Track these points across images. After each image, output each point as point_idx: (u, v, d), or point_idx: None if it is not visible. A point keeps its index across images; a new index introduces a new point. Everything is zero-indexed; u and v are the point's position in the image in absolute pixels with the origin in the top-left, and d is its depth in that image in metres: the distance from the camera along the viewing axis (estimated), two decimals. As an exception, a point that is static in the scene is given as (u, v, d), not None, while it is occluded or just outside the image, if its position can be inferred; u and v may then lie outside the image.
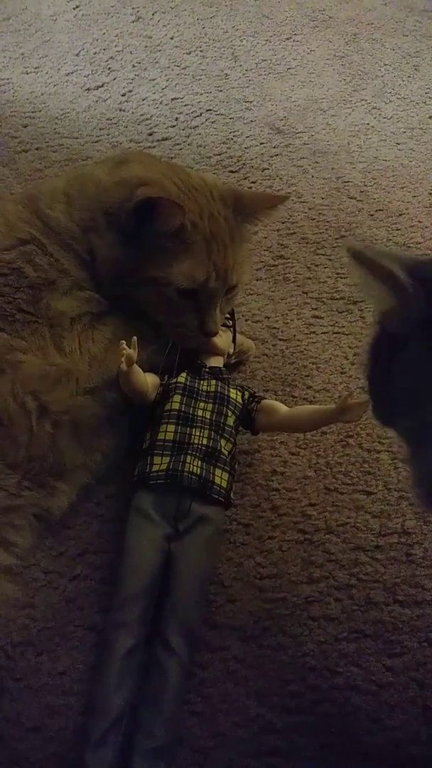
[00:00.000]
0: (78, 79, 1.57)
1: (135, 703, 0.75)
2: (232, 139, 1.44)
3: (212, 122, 1.48)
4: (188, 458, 0.85)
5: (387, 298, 0.56)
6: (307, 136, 1.46)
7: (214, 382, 0.92)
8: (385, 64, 1.65)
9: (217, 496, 0.85)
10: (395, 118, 1.52)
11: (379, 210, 1.32)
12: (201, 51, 1.66)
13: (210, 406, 0.90)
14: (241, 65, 1.63)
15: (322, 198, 1.34)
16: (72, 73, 1.58)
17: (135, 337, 0.86)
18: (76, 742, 0.76)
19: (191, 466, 0.85)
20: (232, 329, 1.02)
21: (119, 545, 0.85)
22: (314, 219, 1.30)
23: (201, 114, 1.50)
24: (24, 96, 1.52)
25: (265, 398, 0.95)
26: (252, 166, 1.39)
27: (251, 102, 1.54)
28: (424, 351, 0.56)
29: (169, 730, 0.74)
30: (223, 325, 0.99)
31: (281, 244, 1.25)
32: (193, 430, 0.88)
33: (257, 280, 1.19)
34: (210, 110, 1.51)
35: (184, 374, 0.92)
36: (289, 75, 1.61)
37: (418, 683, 0.80)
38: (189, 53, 1.65)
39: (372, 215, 1.31)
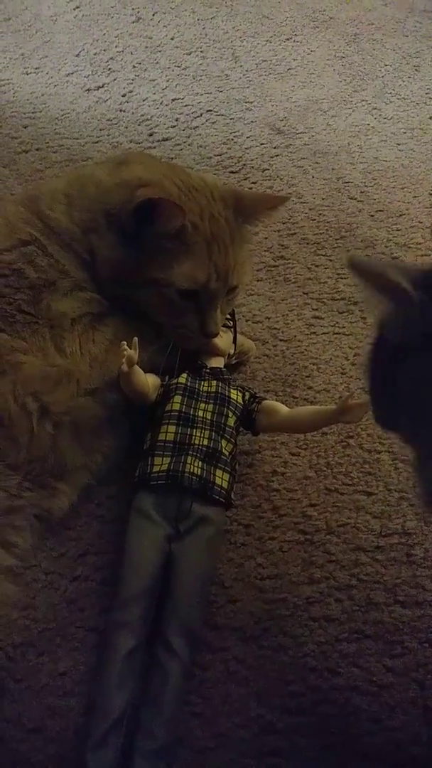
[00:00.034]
0: (78, 79, 1.57)
1: (136, 703, 0.75)
2: (232, 139, 1.45)
3: (213, 123, 1.48)
4: (189, 459, 0.85)
5: (391, 310, 0.56)
6: (308, 136, 1.46)
7: (214, 382, 0.92)
8: (386, 65, 1.65)
9: (217, 497, 0.85)
10: (396, 119, 1.52)
11: (380, 210, 1.32)
12: (201, 51, 1.66)
13: (211, 407, 0.90)
14: (241, 66, 1.63)
15: (323, 198, 1.34)
16: (72, 73, 1.58)
17: (136, 338, 0.86)
18: (77, 742, 0.76)
19: (192, 466, 0.85)
20: (232, 330, 1.02)
21: (120, 546, 0.85)
22: (315, 219, 1.30)
23: (201, 114, 1.50)
24: (24, 97, 1.52)
25: (266, 399, 0.95)
26: (252, 167, 1.39)
27: (252, 102, 1.54)
28: None
29: (170, 730, 0.74)
30: (224, 325, 0.99)
31: (282, 245, 1.25)
32: (194, 430, 0.88)
33: (258, 280, 1.19)
34: (210, 111, 1.51)
35: (184, 375, 0.92)
36: (290, 75, 1.61)
37: (419, 684, 0.80)
38: (189, 54, 1.65)
39: (372, 216, 1.31)
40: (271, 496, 0.95)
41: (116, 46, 1.66)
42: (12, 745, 0.76)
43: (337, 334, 1.12)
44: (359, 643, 0.83)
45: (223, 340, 0.98)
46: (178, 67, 1.61)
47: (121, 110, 1.50)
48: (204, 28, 1.72)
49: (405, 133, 1.49)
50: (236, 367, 1.07)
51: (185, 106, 1.52)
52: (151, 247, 0.89)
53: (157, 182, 0.90)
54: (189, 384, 0.91)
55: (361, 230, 1.28)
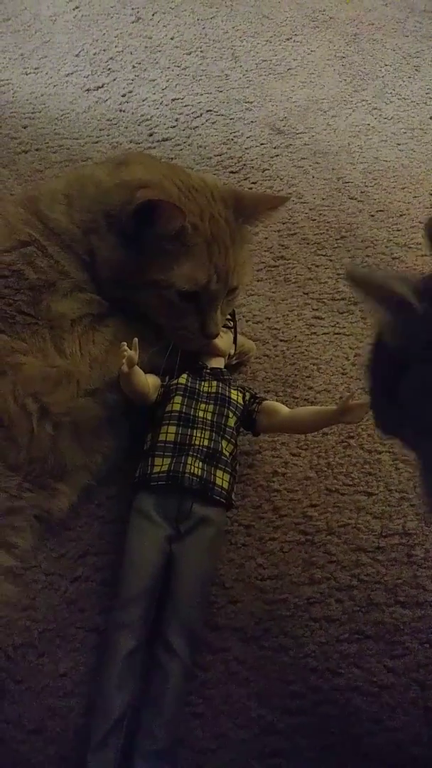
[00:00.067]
0: (78, 79, 1.57)
1: (136, 704, 0.75)
2: (232, 139, 1.44)
3: (212, 123, 1.48)
4: (189, 459, 0.85)
5: (391, 319, 0.55)
6: (308, 136, 1.46)
7: (215, 383, 0.92)
8: (386, 65, 1.65)
9: (218, 498, 0.85)
10: (396, 119, 1.52)
11: (380, 210, 1.32)
12: (201, 51, 1.66)
13: (211, 408, 0.90)
14: (241, 66, 1.63)
15: (323, 199, 1.34)
16: (72, 73, 1.58)
17: (136, 339, 0.86)
18: (77, 743, 0.76)
19: (192, 467, 0.85)
20: (233, 330, 1.02)
21: (120, 547, 0.85)
22: (315, 220, 1.30)
23: (201, 115, 1.50)
24: (24, 97, 1.52)
25: (266, 399, 0.95)
26: (252, 167, 1.39)
27: (251, 102, 1.54)
28: None
29: (171, 731, 0.74)
30: (224, 326, 0.99)
31: (282, 245, 1.25)
32: (194, 431, 0.87)
33: (258, 281, 1.19)
34: (210, 111, 1.51)
35: (185, 375, 0.92)
36: (290, 75, 1.61)
37: (420, 684, 0.80)
38: (189, 54, 1.65)
39: (373, 216, 1.31)
40: (272, 496, 0.94)
41: (116, 46, 1.66)
42: (12, 746, 0.76)
43: (337, 334, 1.12)
44: (360, 643, 0.83)
45: (224, 341, 0.98)
46: (178, 67, 1.61)
47: (120, 110, 1.50)
48: (204, 28, 1.72)
49: (405, 133, 1.49)
50: (237, 367, 1.07)
51: (185, 106, 1.52)
52: (151, 249, 0.89)
53: (157, 183, 0.90)
54: (189, 384, 0.91)
55: (362, 230, 1.28)
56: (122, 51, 1.64)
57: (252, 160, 1.40)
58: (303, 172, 1.39)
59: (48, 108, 1.50)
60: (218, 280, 0.91)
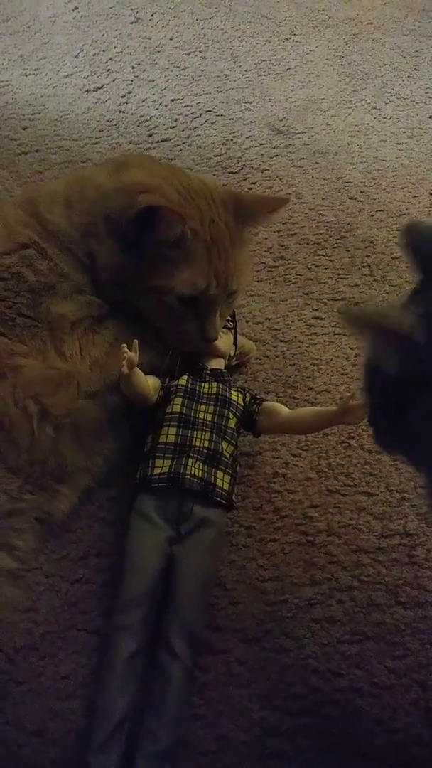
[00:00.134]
0: (77, 80, 1.57)
1: (138, 706, 0.75)
2: (231, 140, 1.44)
3: (212, 123, 1.48)
4: (190, 461, 0.85)
5: (392, 352, 0.55)
6: (307, 136, 1.46)
7: (215, 384, 0.92)
8: (385, 64, 1.65)
9: (218, 499, 0.85)
10: (395, 118, 1.52)
11: (380, 210, 1.32)
12: (200, 52, 1.66)
13: (211, 409, 0.90)
14: (240, 66, 1.63)
15: (323, 199, 1.33)
16: (71, 74, 1.58)
17: (136, 341, 0.86)
18: (79, 745, 0.76)
19: (193, 468, 0.85)
20: (233, 331, 1.02)
21: (121, 548, 0.85)
22: (315, 220, 1.29)
23: (200, 115, 1.50)
24: (23, 98, 1.52)
25: (267, 400, 0.95)
26: (252, 167, 1.39)
27: (251, 103, 1.53)
28: None
29: (172, 733, 0.74)
30: (224, 326, 0.99)
31: (282, 245, 1.25)
32: (195, 432, 0.87)
33: (258, 281, 1.19)
34: (209, 111, 1.51)
35: (185, 377, 0.92)
36: (289, 75, 1.61)
37: (421, 685, 0.80)
38: (188, 54, 1.65)
39: (372, 216, 1.31)
40: (273, 497, 0.94)
41: (115, 47, 1.65)
42: (14, 748, 0.77)
43: (337, 334, 1.12)
44: (361, 644, 0.83)
45: (224, 342, 0.98)
46: (177, 67, 1.61)
47: (120, 111, 1.50)
48: (203, 29, 1.72)
49: (405, 132, 1.49)
50: (237, 368, 1.07)
51: (184, 106, 1.52)
52: (151, 254, 0.89)
53: (157, 187, 0.90)
54: (189, 386, 0.91)
55: (361, 230, 1.28)
56: (121, 52, 1.64)
57: (251, 160, 1.40)
58: (302, 172, 1.38)
59: (47, 109, 1.50)
60: (218, 285, 0.91)
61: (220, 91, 1.56)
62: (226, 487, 0.86)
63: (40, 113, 1.49)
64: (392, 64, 1.65)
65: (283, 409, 0.92)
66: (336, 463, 0.98)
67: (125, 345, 0.86)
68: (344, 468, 0.97)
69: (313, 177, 1.38)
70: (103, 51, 1.64)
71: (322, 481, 0.96)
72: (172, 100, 1.53)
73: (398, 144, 1.46)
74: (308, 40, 1.71)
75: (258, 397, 0.95)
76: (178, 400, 0.90)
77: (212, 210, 0.92)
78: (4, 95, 1.53)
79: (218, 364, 0.97)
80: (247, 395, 0.94)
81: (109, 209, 0.91)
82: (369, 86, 1.59)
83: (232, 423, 0.90)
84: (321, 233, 1.27)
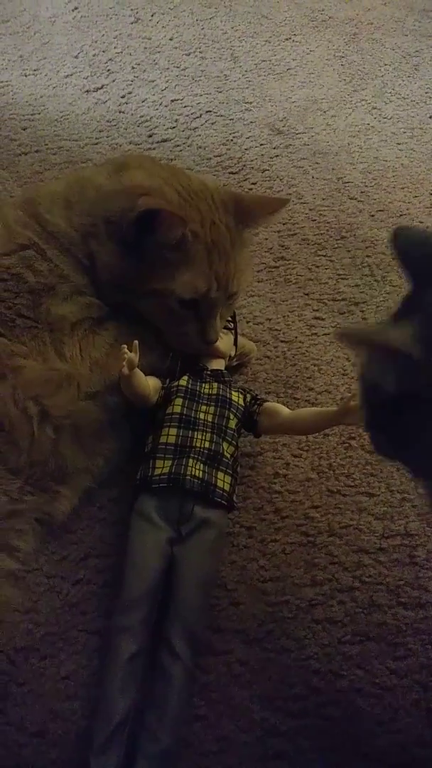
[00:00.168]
0: (77, 81, 1.57)
1: (139, 707, 0.75)
2: (232, 140, 1.44)
3: (212, 123, 1.48)
4: (190, 461, 0.85)
5: (389, 369, 0.54)
6: (308, 136, 1.46)
7: (215, 384, 0.92)
8: (385, 64, 1.65)
9: (219, 500, 0.85)
10: (395, 118, 1.52)
11: (380, 210, 1.32)
12: (200, 52, 1.65)
13: (212, 409, 0.90)
14: (240, 66, 1.63)
15: (323, 199, 1.33)
16: (71, 75, 1.58)
17: (136, 341, 0.86)
18: (80, 746, 0.76)
19: (193, 469, 0.85)
20: (233, 332, 1.02)
21: (122, 549, 0.85)
22: (315, 220, 1.29)
23: (201, 115, 1.50)
24: (23, 98, 1.52)
25: (267, 401, 0.95)
26: (252, 168, 1.39)
27: (251, 103, 1.53)
28: None
29: (173, 734, 0.74)
30: (225, 327, 0.99)
31: (282, 246, 1.25)
32: (195, 433, 0.87)
33: (258, 281, 1.19)
34: (210, 111, 1.51)
35: (185, 377, 0.92)
36: (289, 75, 1.61)
37: (422, 686, 0.80)
38: (188, 54, 1.65)
39: (373, 216, 1.31)
40: (273, 498, 0.94)
41: (115, 47, 1.65)
42: (15, 749, 0.77)
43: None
44: (362, 645, 0.83)
45: (224, 342, 0.98)
46: (177, 67, 1.61)
47: (120, 111, 1.50)
48: (203, 29, 1.72)
49: (405, 132, 1.49)
50: (237, 368, 1.07)
51: (184, 107, 1.52)
52: (151, 256, 0.88)
53: (157, 189, 0.90)
54: (190, 386, 0.91)
55: (362, 230, 1.28)
56: (121, 52, 1.64)
57: (252, 160, 1.40)
58: (303, 173, 1.38)
59: (47, 109, 1.50)
60: (218, 287, 0.91)
61: (220, 92, 1.56)
62: (226, 487, 0.86)
63: (40, 114, 1.49)
64: (392, 64, 1.65)
65: (284, 410, 0.92)
66: (337, 464, 0.97)
67: (125, 346, 0.86)
68: (345, 468, 0.97)
69: (313, 177, 1.38)
70: (103, 51, 1.64)
71: (323, 481, 0.96)
72: (172, 101, 1.53)
73: (398, 144, 1.46)
74: (308, 40, 1.71)
75: (258, 397, 0.95)
76: (179, 401, 0.89)
77: (213, 212, 0.92)
78: (3, 95, 1.53)
79: (219, 364, 0.97)
80: (248, 396, 0.94)
81: (109, 211, 0.90)
82: (369, 86, 1.59)
83: (232, 424, 0.90)
84: (321, 233, 1.27)
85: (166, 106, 1.52)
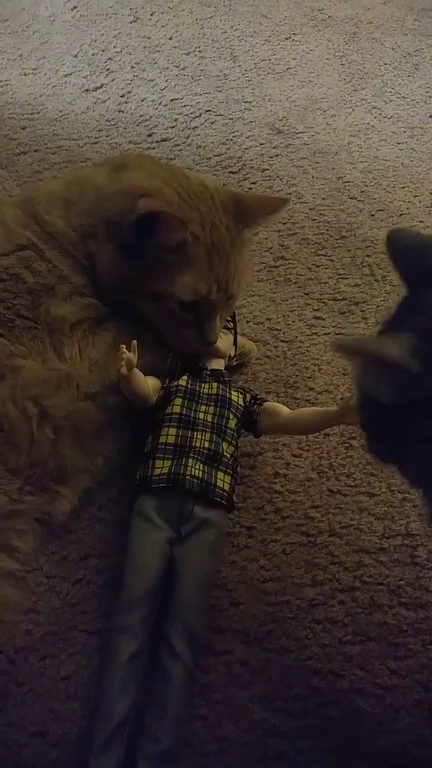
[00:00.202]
0: (76, 80, 1.57)
1: (139, 707, 0.75)
2: (231, 139, 1.44)
3: (212, 123, 1.48)
4: (190, 461, 0.85)
5: (387, 381, 0.54)
6: (307, 136, 1.46)
7: (215, 384, 0.92)
8: (385, 63, 1.65)
9: (219, 500, 0.85)
10: (395, 118, 1.52)
11: (380, 210, 1.32)
12: (200, 51, 1.65)
13: (211, 409, 0.90)
14: (240, 65, 1.62)
15: (323, 198, 1.33)
16: (70, 74, 1.58)
17: (135, 341, 0.86)
18: (80, 746, 0.76)
19: (193, 469, 0.84)
20: (233, 331, 1.02)
21: (122, 549, 0.85)
22: (315, 219, 1.29)
23: (200, 115, 1.50)
24: (22, 98, 1.52)
25: (267, 400, 0.94)
26: (252, 167, 1.39)
27: (251, 102, 1.53)
28: None
29: (174, 734, 0.74)
30: (224, 327, 0.99)
31: (282, 245, 1.25)
32: (195, 433, 0.87)
33: (258, 281, 1.19)
34: (209, 111, 1.50)
35: (185, 377, 0.92)
36: (289, 75, 1.61)
37: (423, 686, 0.80)
38: (188, 54, 1.65)
39: (373, 215, 1.31)
40: (274, 498, 0.94)
41: (114, 47, 1.65)
42: (15, 749, 0.76)
43: (338, 334, 1.12)
44: (363, 645, 0.83)
45: (224, 342, 0.98)
46: (177, 67, 1.61)
47: (119, 111, 1.50)
48: (202, 28, 1.72)
49: (405, 132, 1.48)
50: (237, 368, 1.07)
51: (184, 106, 1.51)
52: (151, 258, 0.88)
53: (157, 190, 0.89)
54: (189, 386, 0.91)
55: (362, 230, 1.28)
56: (121, 51, 1.64)
57: (251, 160, 1.40)
58: (303, 172, 1.38)
59: (47, 109, 1.49)
60: (218, 289, 0.91)
61: (220, 91, 1.55)
62: (226, 487, 0.86)
63: (39, 113, 1.48)
64: (392, 63, 1.65)
65: (284, 410, 0.92)
66: (337, 464, 0.97)
67: (124, 346, 0.85)
68: (345, 468, 0.97)
69: (313, 177, 1.37)
70: (103, 50, 1.64)
71: (323, 481, 0.96)
72: (172, 100, 1.53)
73: (398, 143, 1.46)
74: (308, 40, 1.70)
75: (258, 397, 0.95)
76: (178, 401, 0.89)
77: (213, 213, 0.92)
78: (3, 95, 1.53)
79: (218, 364, 0.97)
80: (248, 395, 0.94)
81: (108, 212, 0.90)
82: (369, 85, 1.59)
83: (232, 423, 0.90)
84: (321, 233, 1.27)
85: (165, 105, 1.52)
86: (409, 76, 1.62)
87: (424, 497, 0.64)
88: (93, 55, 1.63)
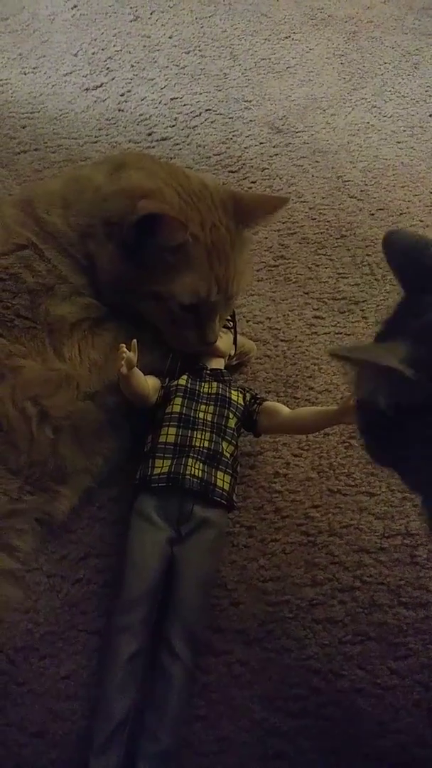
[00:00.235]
0: (76, 79, 1.56)
1: (139, 707, 0.75)
2: (231, 138, 1.44)
3: (211, 122, 1.48)
4: (190, 461, 0.85)
5: (385, 389, 0.54)
6: (307, 135, 1.46)
7: (215, 384, 0.92)
8: (385, 63, 1.65)
9: (219, 499, 0.85)
10: (395, 117, 1.51)
11: (380, 209, 1.31)
12: (200, 50, 1.65)
13: (211, 409, 0.89)
14: (240, 64, 1.62)
15: (323, 197, 1.33)
16: (70, 73, 1.58)
17: (135, 341, 0.85)
18: (79, 746, 0.76)
19: (193, 469, 0.84)
20: (233, 331, 1.01)
21: (122, 548, 0.85)
22: (315, 219, 1.29)
23: (200, 114, 1.49)
24: (22, 96, 1.52)
25: (267, 400, 0.94)
26: (252, 166, 1.38)
27: (250, 101, 1.53)
28: None
29: (174, 734, 0.74)
30: (224, 326, 0.99)
31: (282, 245, 1.24)
32: (195, 432, 0.87)
33: (258, 280, 1.19)
34: (209, 110, 1.50)
35: (185, 377, 0.92)
36: (289, 74, 1.61)
37: (423, 686, 0.80)
38: (188, 53, 1.64)
39: (373, 214, 1.30)
40: (274, 497, 0.94)
41: (114, 46, 1.65)
42: (14, 749, 0.76)
43: (338, 334, 1.12)
44: (363, 645, 0.83)
45: (224, 342, 0.98)
46: (177, 66, 1.61)
47: (119, 110, 1.50)
48: (202, 27, 1.72)
49: (405, 131, 1.48)
50: (237, 368, 1.06)
51: (184, 105, 1.51)
52: (151, 259, 0.88)
53: (157, 191, 0.89)
54: (189, 386, 0.91)
55: (362, 229, 1.28)
56: (121, 50, 1.64)
57: (251, 159, 1.40)
58: (302, 171, 1.38)
59: (46, 108, 1.49)
60: (218, 290, 0.91)
61: (220, 90, 1.55)
62: (226, 487, 0.86)
63: (39, 112, 1.48)
64: (392, 62, 1.65)
65: (284, 409, 0.92)
66: (337, 463, 0.97)
67: (123, 345, 0.85)
68: (345, 468, 0.97)
69: (313, 176, 1.37)
70: (103, 49, 1.64)
71: (323, 481, 0.96)
72: (172, 99, 1.52)
73: (398, 142, 1.45)
74: (308, 39, 1.70)
75: (258, 396, 0.94)
76: (178, 400, 0.89)
77: (213, 213, 0.91)
78: (3, 93, 1.52)
79: (218, 363, 0.97)
80: (248, 395, 0.94)
81: (108, 213, 0.90)
82: (369, 85, 1.59)
83: (232, 423, 0.90)
84: (321, 232, 1.27)
85: (165, 104, 1.51)
86: (408, 75, 1.62)
87: (423, 505, 0.64)
88: (93, 53, 1.63)
